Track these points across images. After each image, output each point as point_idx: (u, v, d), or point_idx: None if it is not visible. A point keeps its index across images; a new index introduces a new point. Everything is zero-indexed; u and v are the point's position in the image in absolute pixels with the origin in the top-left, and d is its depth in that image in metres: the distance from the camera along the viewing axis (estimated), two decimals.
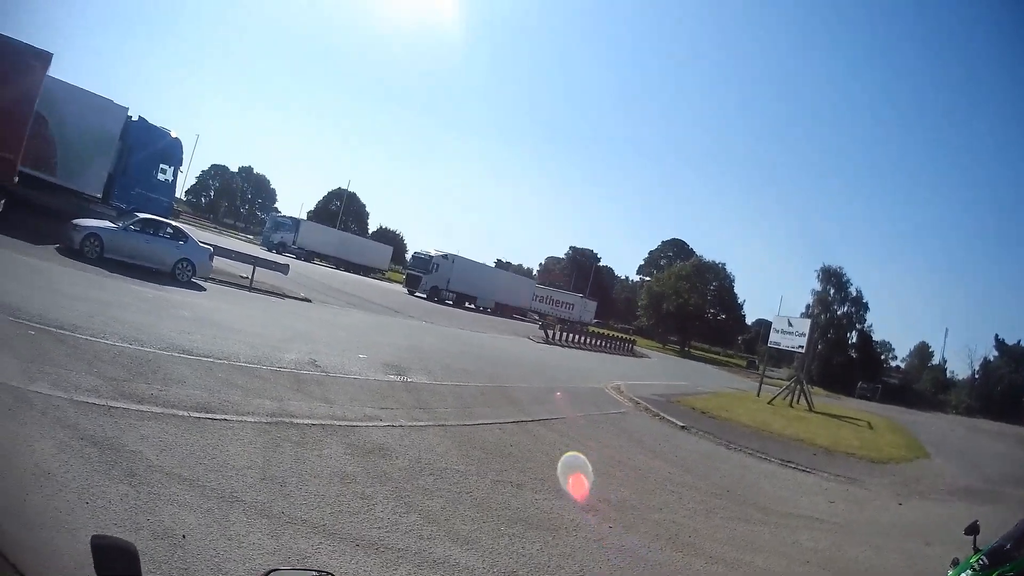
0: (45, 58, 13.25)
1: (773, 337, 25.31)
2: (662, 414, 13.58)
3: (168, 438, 4.94)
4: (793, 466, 11.21)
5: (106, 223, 14.51)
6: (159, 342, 7.92)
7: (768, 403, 21.07)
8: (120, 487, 3.84)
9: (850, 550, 6.90)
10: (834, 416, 21.48)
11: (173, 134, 20.05)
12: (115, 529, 3.34)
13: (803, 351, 24.28)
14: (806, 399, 22.27)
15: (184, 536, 3.45)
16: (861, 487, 10.65)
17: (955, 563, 3.83)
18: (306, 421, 6.52)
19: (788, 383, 24.40)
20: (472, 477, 6.24)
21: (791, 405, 21.56)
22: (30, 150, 13.92)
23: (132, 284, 12.54)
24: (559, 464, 7.62)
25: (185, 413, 5.63)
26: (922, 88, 78.88)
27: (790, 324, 24.72)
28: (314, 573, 1.43)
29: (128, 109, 17.78)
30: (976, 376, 53.04)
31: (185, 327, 9.44)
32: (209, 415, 5.81)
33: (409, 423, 7.70)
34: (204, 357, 7.87)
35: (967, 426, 32.72)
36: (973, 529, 3.86)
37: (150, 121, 19.27)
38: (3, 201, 13.46)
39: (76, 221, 14.00)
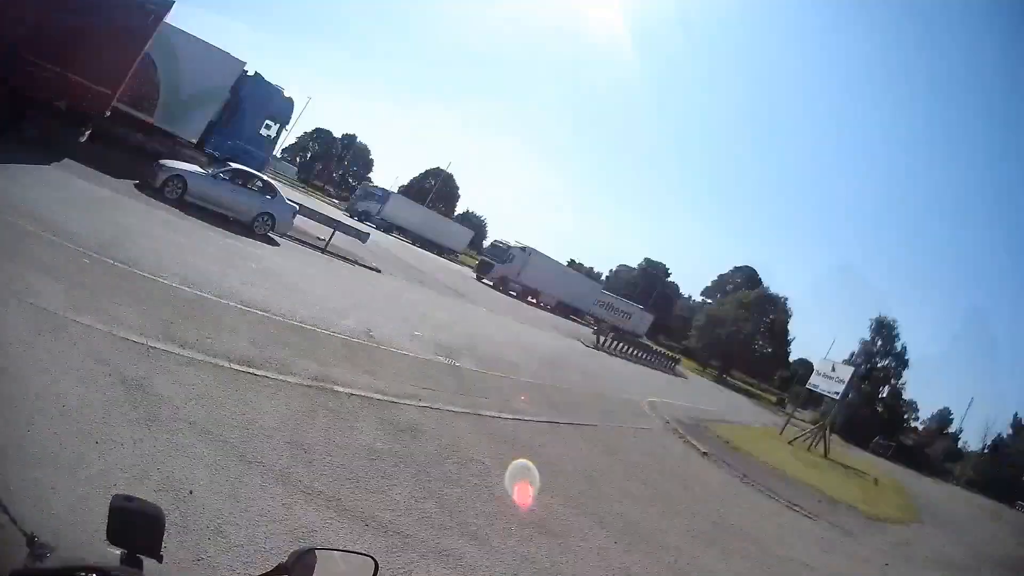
0: (165, 4, 13.28)
1: (814, 379, 25.54)
2: (688, 437, 13.66)
3: (203, 388, 4.84)
4: (797, 510, 11.40)
5: (194, 167, 14.13)
6: (218, 289, 7.65)
7: (788, 443, 21.53)
8: (137, 431, 3.73)
9: None
10: (847, 467, 21.98)
11: (286, 93, 20.05)
12: (116, 472, 3.23)
13: (838, 397, 24.37)
14: (824, 445, 22.51)
15: (191, 492, 3.40)
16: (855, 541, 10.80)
17: None
18: (345, 390, 6.36)
19: (813, 428, 24.53)
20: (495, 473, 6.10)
21: (809, 449, 21.88)
22: (132, 89, 13.96)
23: (206, 230, 12.14)
24: (585, 476, 7.52)
25: (227, 364, 5.50)
26: None
27: (833, 369, 24.85)
28: (359, 555, 1.30)
29: (245, 64, 17.54)
30: (985, 451, 52.14)
31: (249, 278, 9.21)
32: (250, 369, 5.65)
33: (446, 407, 7.51)
34: (261, 311, 7.61)
35: (961, 499, 32.28)
36: None
37: (265, 78, 19.00)
38: (88, 132, 13.38)
39: (162, 161, 13.70)
